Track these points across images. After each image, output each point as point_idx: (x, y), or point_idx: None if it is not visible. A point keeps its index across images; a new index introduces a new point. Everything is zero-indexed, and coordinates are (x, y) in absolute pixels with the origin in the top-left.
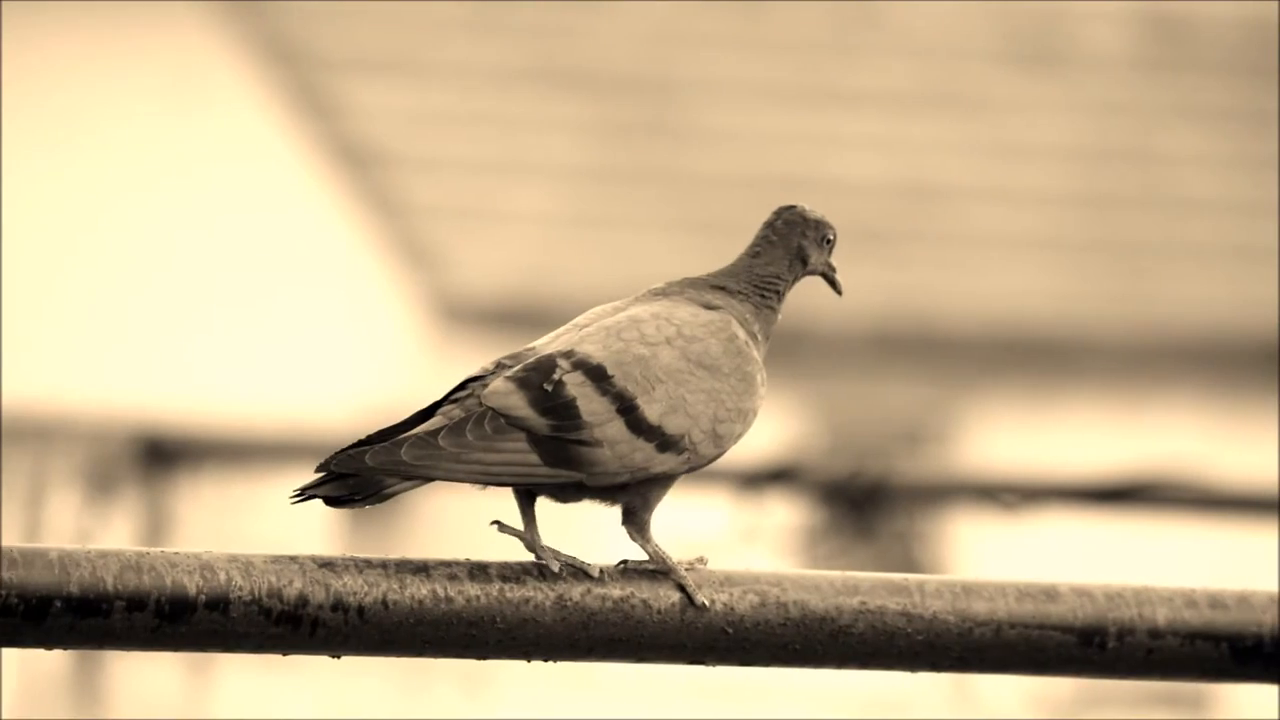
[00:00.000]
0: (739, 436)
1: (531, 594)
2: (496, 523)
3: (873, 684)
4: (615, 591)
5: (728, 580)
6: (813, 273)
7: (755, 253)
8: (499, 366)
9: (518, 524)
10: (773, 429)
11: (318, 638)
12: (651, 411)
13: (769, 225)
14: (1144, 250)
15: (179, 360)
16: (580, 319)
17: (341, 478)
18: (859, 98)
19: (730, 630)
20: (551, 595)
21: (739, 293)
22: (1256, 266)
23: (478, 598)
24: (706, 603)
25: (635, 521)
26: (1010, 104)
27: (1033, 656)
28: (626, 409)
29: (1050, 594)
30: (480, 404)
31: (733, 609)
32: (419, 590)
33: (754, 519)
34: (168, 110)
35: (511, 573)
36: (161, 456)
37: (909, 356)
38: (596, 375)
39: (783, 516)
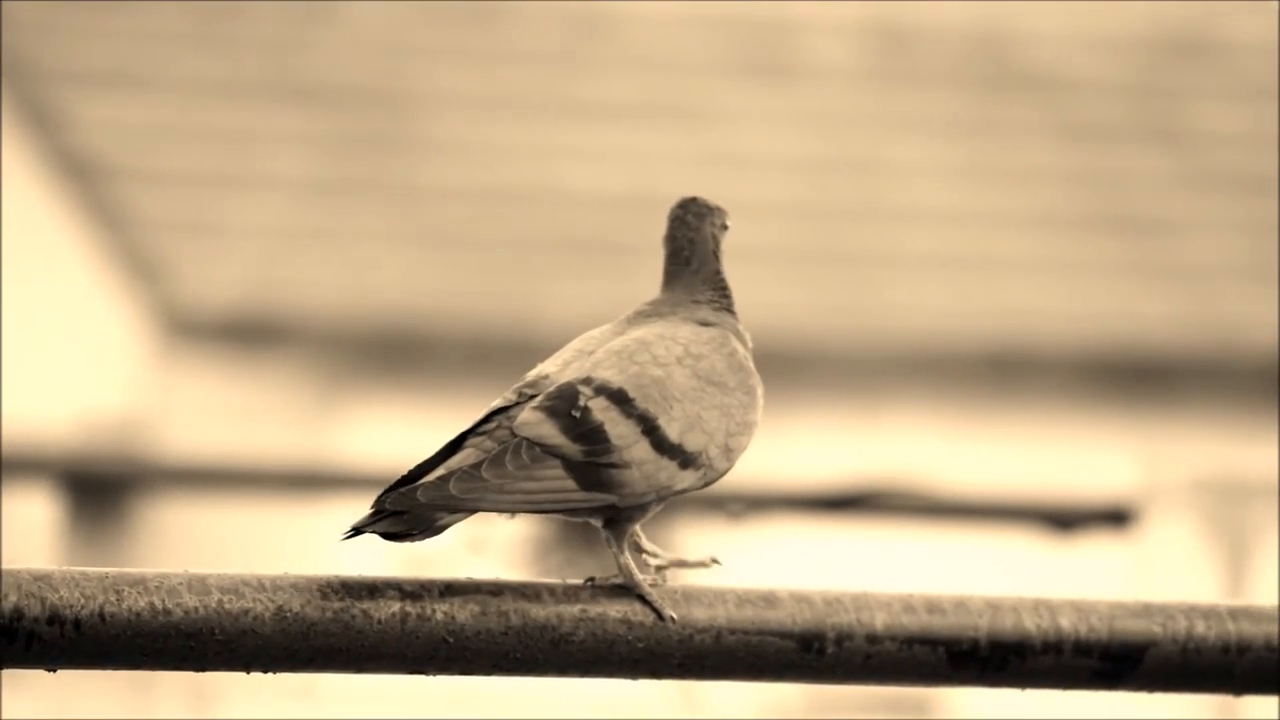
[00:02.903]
0: (745, 449)
1: (250, 605)
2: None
3: (602, 687)
4: (335, 603)
5: (448, 589)
6: None
7: (685, 258)
8: (520, 396)
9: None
10: None
11: (34, 652)
12: (672, 430)
13: (682, 223)
14: (871, 260)
15: None
16: (578, 344)
17: (395, 514)
18: (589, 109)
19: (451, 639)
20: (271, 607)
21: (712, 303)
22: (983, 276)
23: (196, 609)
24: (675, 616)
25: (617, 534)
26: (738, 115)
27: (752, 662)
28: (650, 430)
29: (769, 600)
30: (513, 435)
31: (453, 618)
32: (136, 602)
33: (481, 530)
34: None
35: (230, 584)
36: None
37: None
38: (619, 399)
39: (511, 527)
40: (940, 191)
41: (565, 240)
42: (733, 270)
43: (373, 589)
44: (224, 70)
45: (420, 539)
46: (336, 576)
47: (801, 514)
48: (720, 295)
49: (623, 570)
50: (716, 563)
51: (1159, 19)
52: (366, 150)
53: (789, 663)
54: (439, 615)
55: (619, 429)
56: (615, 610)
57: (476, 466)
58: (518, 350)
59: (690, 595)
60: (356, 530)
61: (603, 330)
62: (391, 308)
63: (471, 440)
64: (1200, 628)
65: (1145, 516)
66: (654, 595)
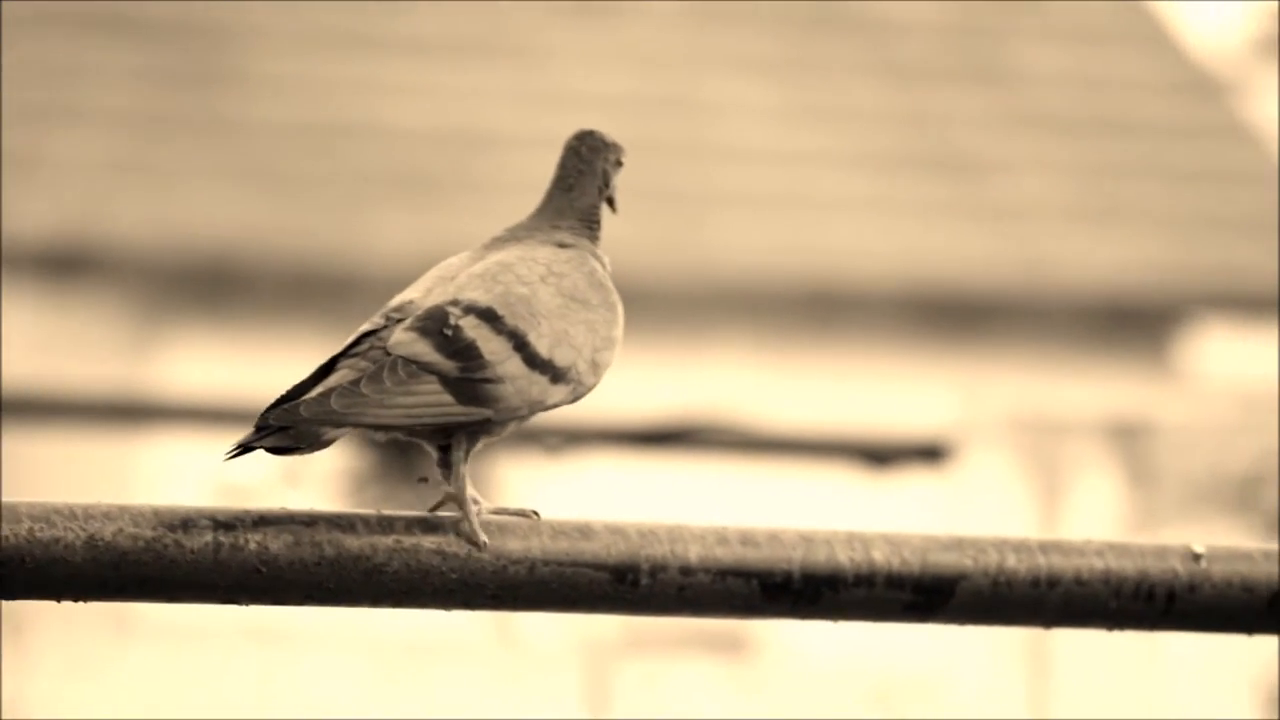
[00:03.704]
0: (610, 365)
1: (61, 534)
2: (423, 479)
3: (420, 627)
4: (148, 532)
5: (262, 520)
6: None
7: (569, 186)
8: (388, 320)
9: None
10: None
11: None
12: (542, 346)
13: (574, 153)
14: (693, 198)
15: None
16: (437, 272)
17: (280, 430)
18: (410, 44)
19: (264, 569)
20: (83, 535)
21: (572, 229)
22: (803, 214)
23: (6, 538)
24: (487, 542)
25: (471, 441)
26: (561, 51)
27: (566, 594)
28: (520, 345)
29: (584, 531)
30: (387, 354)
31: (266, 548)
32: None
33: (298, 462)
34: None
35: (41, 513)
36: None
37: None
38: (488, 316)
39: (329, 460)
40: (762, 130)
41: (387, 176)
42: None
43: (186, 519)
44: (45, 3)
45: (307, 453)
46: (149, 505)
47: (620, 448)
48: (585, 225)
49: (458, 480)
50: (536, 514)
51: None
52: (188, 84)
53: (603, 594)
54: (252, 545)
55: (491, 345)
56: (429, 541)
57: (355, 383)
58: (339, 285)
59: (505, 527)
60: (242, 447)
61: (460, 258)
62: (213, 242)
63: (345, 362)
64: (1011, 561)
65: (961, 453)
66: (474, 522)
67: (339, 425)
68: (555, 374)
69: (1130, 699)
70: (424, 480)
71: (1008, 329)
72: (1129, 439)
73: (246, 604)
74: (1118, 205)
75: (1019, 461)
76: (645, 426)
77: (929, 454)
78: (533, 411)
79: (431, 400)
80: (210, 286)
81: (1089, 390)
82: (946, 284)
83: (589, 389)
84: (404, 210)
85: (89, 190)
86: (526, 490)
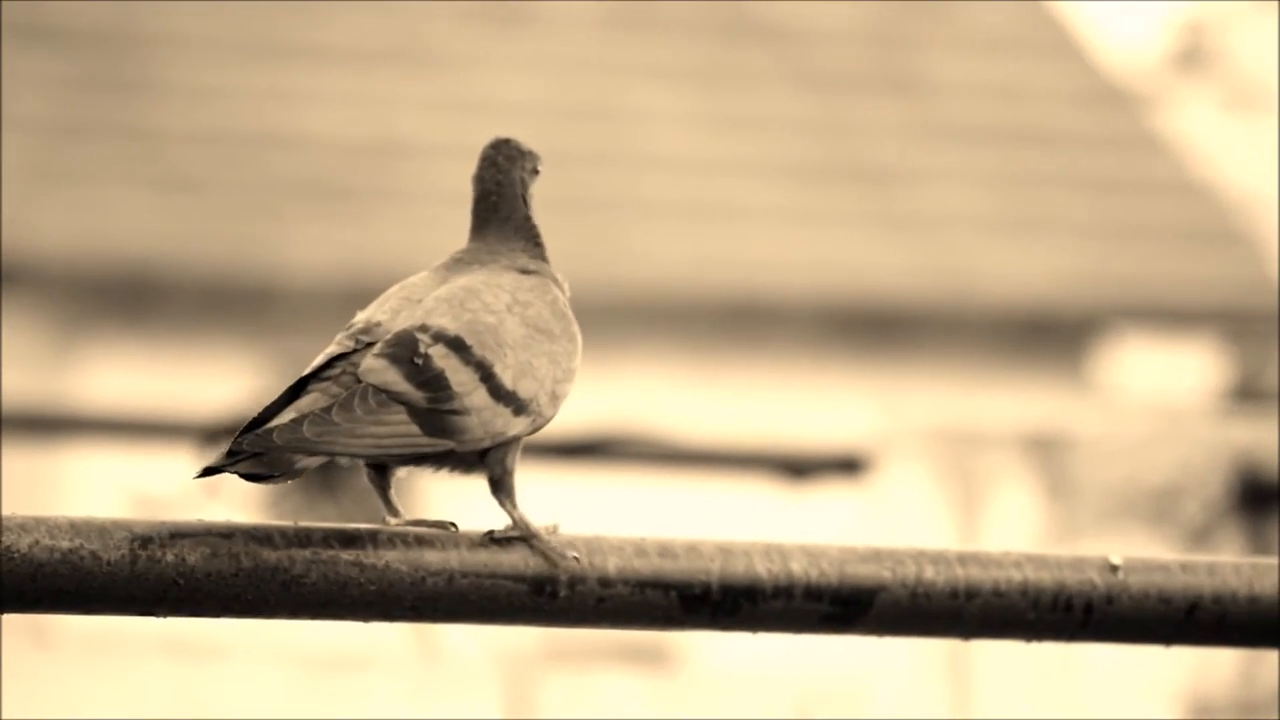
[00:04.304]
0: (568, 396)
1: None
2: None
3: (339, 640)
4: (64, 543)
5: (179, 532)
6: None
7: (494, 203)
8: (358, 343)
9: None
10: (236, 385)
11: None
12: (507, 378)
13: (491, 162)
14: (609, 207)
15: None
16: (401, 292)
17: (253, 456)
18: (326, 53)
19: (182, 581)
20: None
21: (527, 250)
22: (720, 224)
23: None
24: (577, 558)
25: (503, 488)
26: (477, 60)
27: (485, 606)
28: (487, 376)
29: (503, 543)
30: (357, 381)
31: (184, 560)
32: None
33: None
34: None
35: None
36: None
37: None
38: (456, 346)
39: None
40: (678, 139)
41: (303, 185)
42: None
43: (102, 530)
44: None
45: (280, 481)
46: (65, 517)
47: (539, 460)
48: (533, 243)
49: (518, 524)
50: (454, 526)
51: None
52: (103, 93)
53: (522, 606)
54: (169, 557)
55: (459, 376)
56: (347, 554)
57: (327, 410)
58: (258, 295)
59: (423, 539)
60: (210, 470)
61: (422, 277)
62: (128, 252)
63: (316, 385)
64: (929, 573)
65: (879, 465)
66: (551, 544)
67: (312, 453)
68: (518, 406)
69: (1053, 702)
70: (490, 534)
71: (925, 340)
72: (1047, 451)
73: (164, 616)
74: (1034, 216)
75: (937, 473)
76: (564, 438)
77: (847, 466)
78: (494, 443)
79: (400, 430)
80: (128, 297)
81: (1007, 402)
82: (863, 295)
83: (548, 420)
84: (322, 220)
85: (4, 199)
86: (446, 502)
